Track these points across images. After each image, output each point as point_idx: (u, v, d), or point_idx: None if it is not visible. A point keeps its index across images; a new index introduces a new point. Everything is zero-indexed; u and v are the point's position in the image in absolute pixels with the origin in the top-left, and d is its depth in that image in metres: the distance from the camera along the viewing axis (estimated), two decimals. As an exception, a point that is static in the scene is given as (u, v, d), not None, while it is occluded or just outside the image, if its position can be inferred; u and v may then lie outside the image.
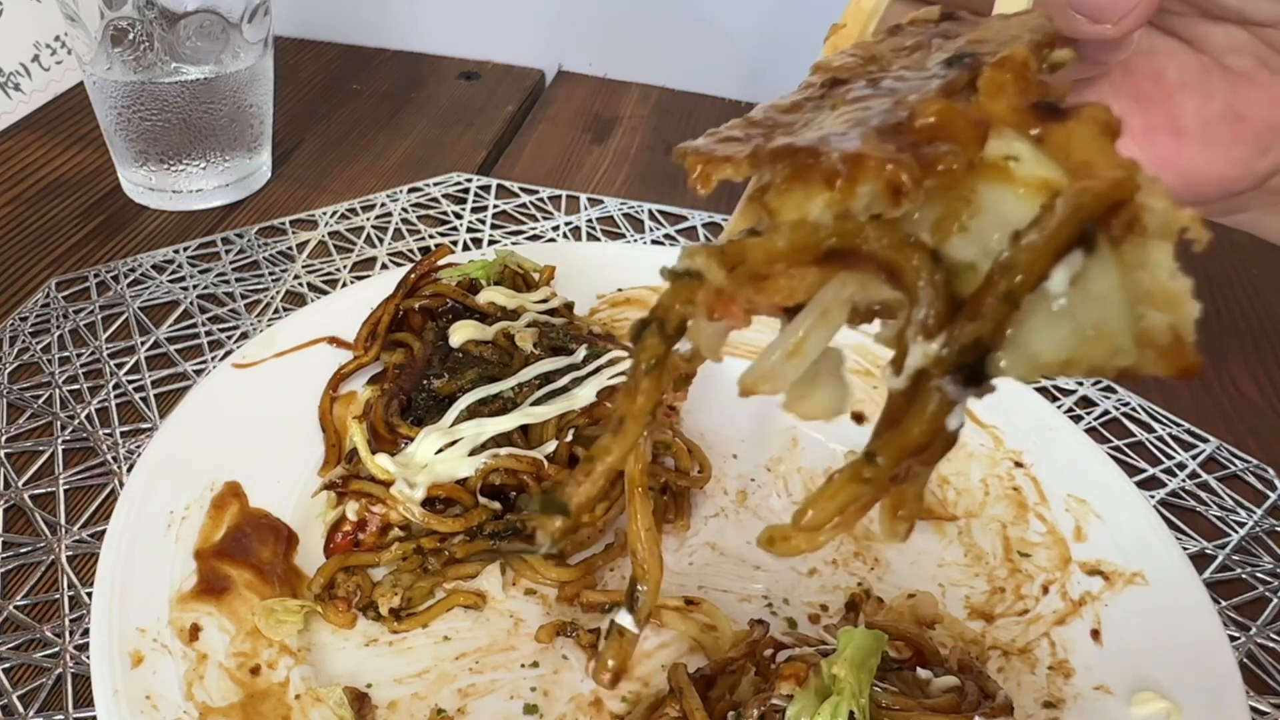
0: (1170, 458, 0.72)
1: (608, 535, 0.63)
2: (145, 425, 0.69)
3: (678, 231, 0.93)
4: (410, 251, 0.88)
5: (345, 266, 0.86)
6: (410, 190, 0.96)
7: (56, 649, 0.56)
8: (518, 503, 0.62)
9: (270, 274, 0.84)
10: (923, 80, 0.32)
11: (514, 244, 0.89)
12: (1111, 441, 0.73)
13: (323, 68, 1.19)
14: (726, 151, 0.31)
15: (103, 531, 0.57)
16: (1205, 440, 0.74)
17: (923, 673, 0.49)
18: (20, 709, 0.53)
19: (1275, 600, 0.63)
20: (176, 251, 0.86)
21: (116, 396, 0.71)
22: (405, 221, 0.92)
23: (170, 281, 0.82)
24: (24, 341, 0.75)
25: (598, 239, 0.91)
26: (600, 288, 0.79)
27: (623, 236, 0.92)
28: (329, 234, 0.90)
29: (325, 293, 0.82)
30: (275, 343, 0.70)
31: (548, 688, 0.55)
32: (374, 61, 1.22)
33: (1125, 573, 0.59)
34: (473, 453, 0.59)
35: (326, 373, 0.69)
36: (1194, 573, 0.58)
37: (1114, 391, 0.77)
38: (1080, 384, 0.78)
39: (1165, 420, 0.75)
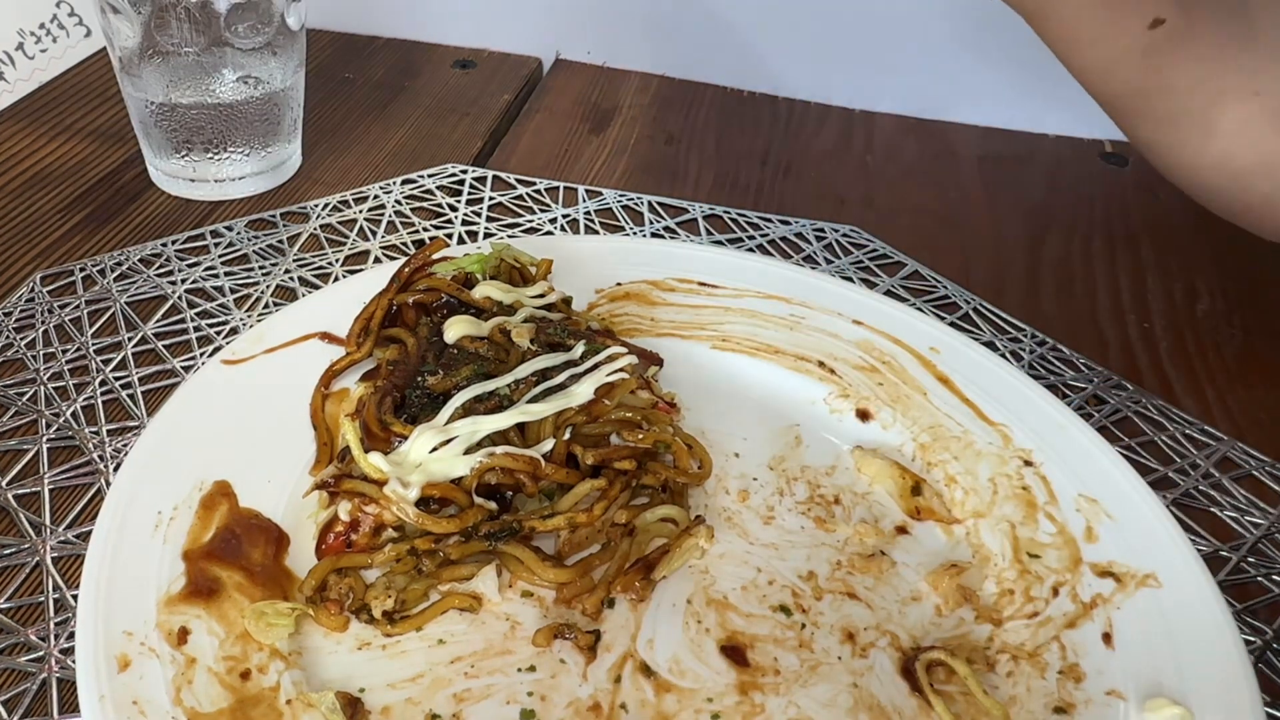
0: (1183, 457, 0.71)
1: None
2: (132, 423, 0.68)
3: (678, 224, 0.91)
4: (404, 245, 0.87)
5: (337, 260, 0.85)
6: (404, 182, 0.95)
7: (41, 653, 0.55)
8: (514, 502, 0.61)
9: (260, 268, 0.83)
10: None
11: (510, 237, 0.87)
12: (1123, 440, 0.71)
13: (314, 56, 1.17)
14: None
15: (89, 532, 0.55)
16: (1219, 439, 0.72)
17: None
18: (4, 715, 0.52)
19: (1289, 602, 0.62)
20: (164, 245, 0.84)
21: (103, 393, 0.70)
22: (399, 214, 0.91)
23: (158, 275, 0.81)
24: (8, 337, 0.74)
25: (596, 232, 0.90)
26: (599, 282, 0.77)
27: (622, 229, 0.91)
28: (320, 226, 0.88)
29: (317, 287, 0.81)
30: (265, 339, 0.69)
31: (545, 692, 0.53)
32: (366, 50, 1.20)
33: (1137, 574, 0.58)
34: (468, 451, 0.58)
35: (318, 369, 0.67)
36: (1208, 575, 0.57)
37: (1125, 389, 0.76)
38: (1091, 381, 0.76)
39: (1178, 419, 0.74)
